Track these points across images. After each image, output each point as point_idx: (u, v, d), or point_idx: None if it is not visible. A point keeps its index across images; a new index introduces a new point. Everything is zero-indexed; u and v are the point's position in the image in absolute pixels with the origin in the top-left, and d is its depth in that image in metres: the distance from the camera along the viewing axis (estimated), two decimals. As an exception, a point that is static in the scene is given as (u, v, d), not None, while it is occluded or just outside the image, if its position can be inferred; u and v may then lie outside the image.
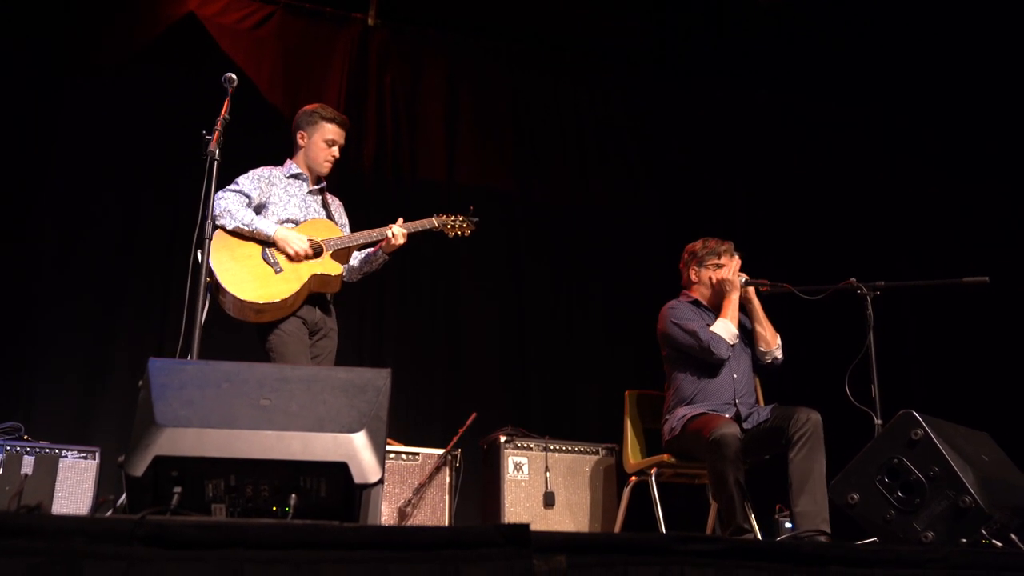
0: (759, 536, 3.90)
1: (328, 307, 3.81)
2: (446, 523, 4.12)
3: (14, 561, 1.42)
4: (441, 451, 4.26)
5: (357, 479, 2.01)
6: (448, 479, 4.23)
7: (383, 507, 4.04)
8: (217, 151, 3.20)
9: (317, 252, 3.68)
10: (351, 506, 2.05)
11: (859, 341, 3.68)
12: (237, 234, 3.59)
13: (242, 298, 3.47)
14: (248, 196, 3.69)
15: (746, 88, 6.44)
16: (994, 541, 2.64)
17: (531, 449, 4.39)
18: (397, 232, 3.83)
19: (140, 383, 2.12)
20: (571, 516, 4.34)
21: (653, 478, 4.07)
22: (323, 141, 3.89)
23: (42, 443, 3.82)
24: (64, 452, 3.82)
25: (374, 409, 2.13)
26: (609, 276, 6.00)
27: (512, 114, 6.12)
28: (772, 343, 4.16)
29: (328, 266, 3.67)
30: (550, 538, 1.73)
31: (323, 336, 3.75)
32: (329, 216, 3.90)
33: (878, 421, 3.48)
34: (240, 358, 2.40)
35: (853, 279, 3.81)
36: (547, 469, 4.37)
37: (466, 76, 6.06)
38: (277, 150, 4.01)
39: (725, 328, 4.04)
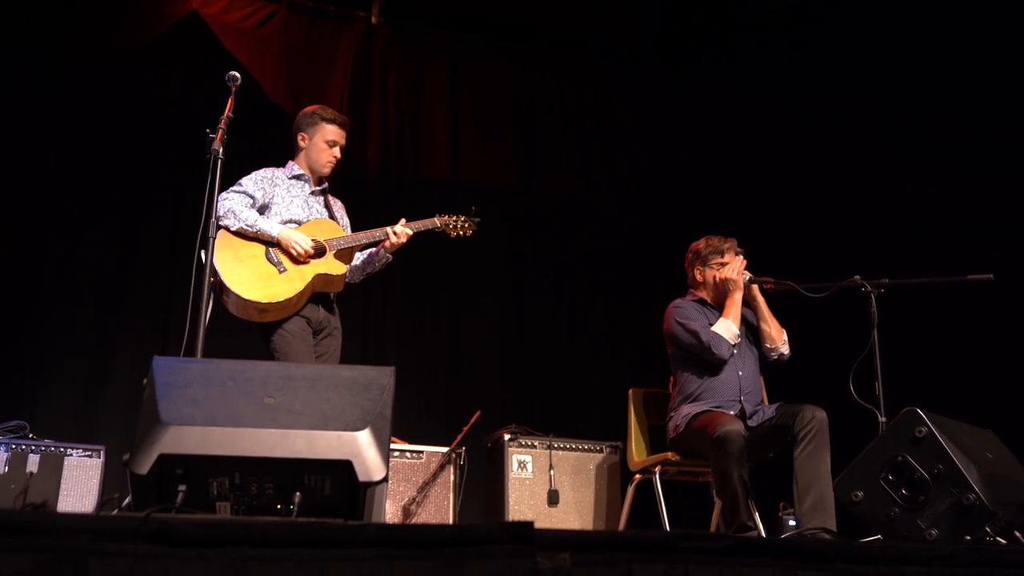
0: (763, 534, 3.90)
1: (332, 306, 3.82)
2: (450, 521, 4.12)
3: (20, 559, 1.42)
4: (445, 449, 4.26)
5: (361, 477, 2.02)
6: (452, 477, 4.23)
7: (387, 505, 4.05)
8: (221, 150, 3.21)
9: (320, 252, 3.68)
10: (355, 504, 2.06)
11: (863, 339, 3.67)
12: (241, 234, 3.60)
13: (246, 297, 3.47)
14: (252, 197, 3.69)
15: (749, 86, 6.43)
16: (998, 538, 2.63)
17: (535, 447, 4.39)
18: (399, 231, 3.83)
19: (144, 381, 2.12)
20: (575, 514, 4.34)
21: (657, 476, 4.07)
22: (324, 142, 3.89)
23: (47, 441, 3.83)
24: (69, 450, 3.82)
25: (378, 407, 2.14)
26: (612, 273, 5.99)
27: (515, 112, 6.12)
28: (778, 339, 4.16)
29: (331, 266, 3.67)
30: (554, 536, 1.73)
31: (327, 335, 3.76)
32: (331, 217, 3.91)
33: (882, 419, 3.48)
34: (244, 358, 2.40)
35: (857, 276, 3.81)
36: (551, 467, 4.37)
37: (469, 74, 6.06)
38: (281, 149, 4.01)
39: (726, 328, 4.04)
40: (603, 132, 6.32)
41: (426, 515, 4.13)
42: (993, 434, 3.14)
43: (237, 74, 3.37)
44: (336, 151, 3.92)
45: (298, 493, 2.02)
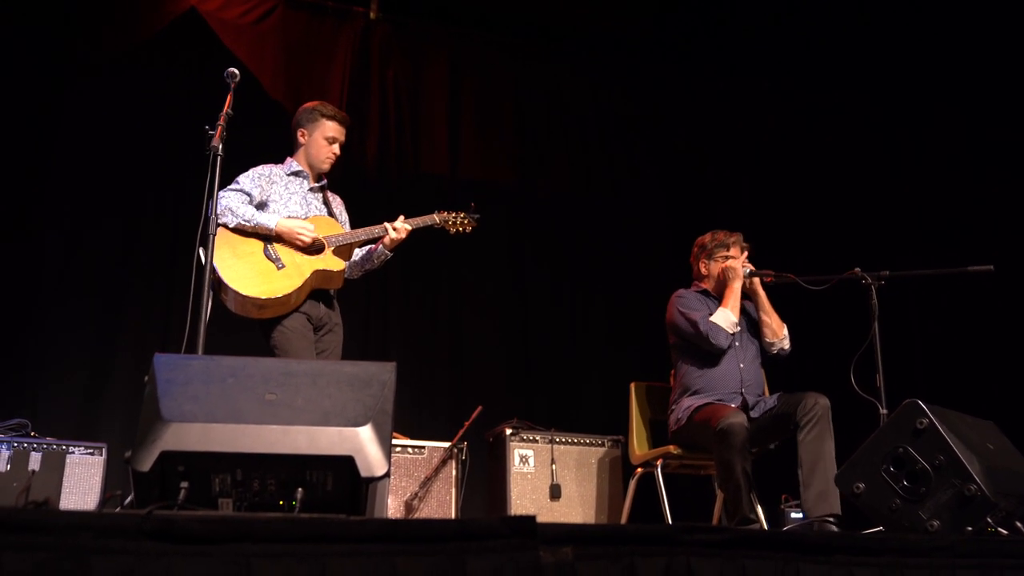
0: (765, 526, 3.90)
1: (332, 302, 3.82)
2: (452, 516, 4.13)
3: (22, 556, 1.42)
4: (447, 444, 4.27)
5: (363, 473, 2.02)
6: (454, 472, 4.24)
7: (389, 500, 4.05)
8: (220, 146, 3.20)
9: (319, 249, 3.68)
10: (357, 500, 2.06)
11: (864, 331, 3.67)
12: (239, 231, 3.60)
13: (244, 294, 3.47)
14: (249, 194, 3.69)
15: (749, 78, 6.42)
16: (999, 529, 2.64)
17: (537, 441, 4.39)
18: (399, 227, 3.83)
19: (146, 378, 2.12)
20: (577, 508, 4.35)
21: (659, 469, 4.08)
22: (324, 138, 3.88)
23: (49, 439, 3.83)
24: (71, 448, 3.83)
25: (379, 403, 2.13)
26: (613, 268, 5.99)
27: (514, 107, 6.12)
28: (779, 333, 4.16)
29: (330, 262, 3.67)
30: (556, 530, 1.73)
31: (328, 331, 3.76)
32: (330, 213, 3.90)
33: (883, 410, 3.47)
34: (245, 355, 2.40)
35: (857, 268, 3.80)
36: (553, 461, 4.37)
37: (468, 69, 6.05)
38: (280, 145, 4.00)
39: (724, 317, 4.04)
40: (603, 126, 6.32)
41: (428, 510, 4.14)
42: (994, 425, 3.14)
43: (236, 71, 3.36)
44: (336, 148, 3.91)
45: (300, 489, 2.02)
